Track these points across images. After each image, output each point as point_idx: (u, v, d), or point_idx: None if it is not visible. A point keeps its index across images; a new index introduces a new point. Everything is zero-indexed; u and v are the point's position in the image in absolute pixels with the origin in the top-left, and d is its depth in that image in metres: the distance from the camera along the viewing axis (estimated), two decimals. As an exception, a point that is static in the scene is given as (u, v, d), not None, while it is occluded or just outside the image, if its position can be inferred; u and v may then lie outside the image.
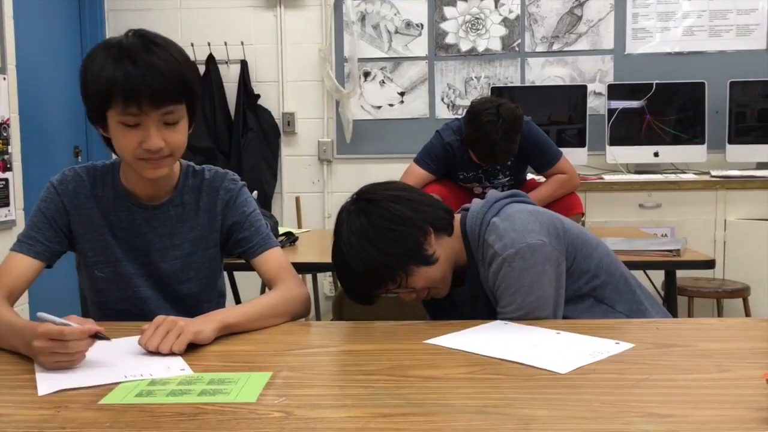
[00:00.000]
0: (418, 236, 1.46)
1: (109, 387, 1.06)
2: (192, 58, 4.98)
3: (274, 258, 1.57)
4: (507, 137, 2.71)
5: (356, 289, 1.51)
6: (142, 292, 1.54)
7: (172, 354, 1.21)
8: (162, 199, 1.54)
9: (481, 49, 4.31)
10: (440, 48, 4.34)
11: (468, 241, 1.53)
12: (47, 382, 1.09)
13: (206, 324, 1.30)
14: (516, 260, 1.42)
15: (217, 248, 1.60)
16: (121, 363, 1.18)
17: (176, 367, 1.17)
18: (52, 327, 1.15)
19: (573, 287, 1.50)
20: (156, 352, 1.22)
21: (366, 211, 1.45)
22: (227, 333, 1.34)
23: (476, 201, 1.59)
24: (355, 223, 1.45)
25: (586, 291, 1.51)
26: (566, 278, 1.48)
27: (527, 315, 1.42)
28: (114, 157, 1.55)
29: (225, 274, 1.73)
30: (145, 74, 1.32)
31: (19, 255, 1.47)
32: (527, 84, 4.27)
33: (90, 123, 1.43)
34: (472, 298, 1.54)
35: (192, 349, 1.25)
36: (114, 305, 1.51)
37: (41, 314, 1.20)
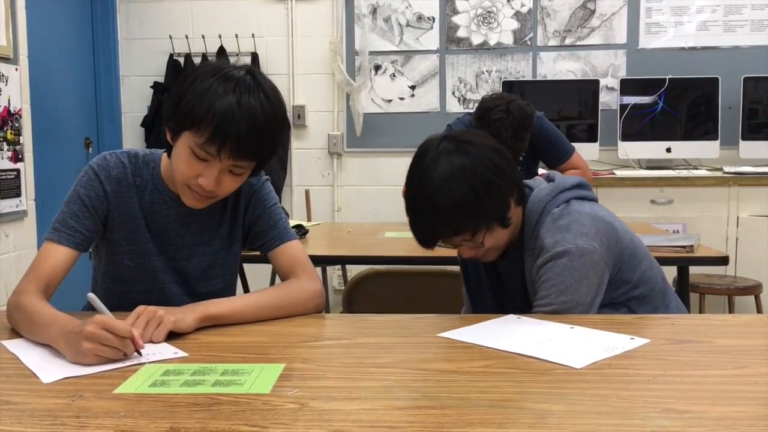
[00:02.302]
0: (508, 195, 1.44)
1: (123, 376, 1.06)
2: (202, 50, 4.89)
3: (289, 252, 1.53)
4: (516, 135, 2.68)
5: (429, 229, 1.44)
6: (168, 289, 1.51)
7: (152, 343, 1.21)
8: None
9: (492, 42, 4.29)
10: (451, 41, 4.32)
11: (525, 220, 1.52)
12: (48, 371, 1.09)
13: (187, 314, 1.29)
14: (563, 258, 1.41)
15: (239, 244, 1.58)
16: None
17: (169, 351, 1.19)
18: (110, 318, 1.14)
19: (610, 295, 1.49)
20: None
21: (469, 154, 1.40)
22: (214, 324, 1.33)
23: (542, 184, 1.55)
24: (455, 164, 1.38)
25: (622, 300, 1.51)
26: (606, 287, 1.47)
27: (557, 313, 1.41)
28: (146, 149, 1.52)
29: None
30: (241, 126, 1.27)
31: (57, 246, 1.39)
32: (539, 78, 4.25)
33: (164, 124, 1.38)
34: (514, 274, 1.54)
35: (204, 340, 1.26)
36: (137, 296, 1.46)
37: (91, 295, 1.20)
